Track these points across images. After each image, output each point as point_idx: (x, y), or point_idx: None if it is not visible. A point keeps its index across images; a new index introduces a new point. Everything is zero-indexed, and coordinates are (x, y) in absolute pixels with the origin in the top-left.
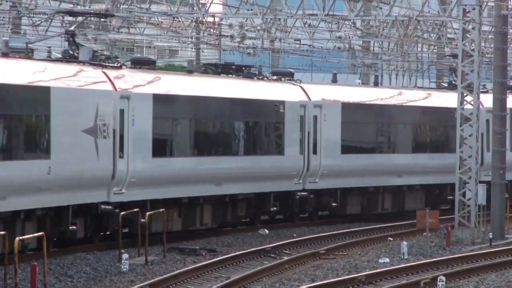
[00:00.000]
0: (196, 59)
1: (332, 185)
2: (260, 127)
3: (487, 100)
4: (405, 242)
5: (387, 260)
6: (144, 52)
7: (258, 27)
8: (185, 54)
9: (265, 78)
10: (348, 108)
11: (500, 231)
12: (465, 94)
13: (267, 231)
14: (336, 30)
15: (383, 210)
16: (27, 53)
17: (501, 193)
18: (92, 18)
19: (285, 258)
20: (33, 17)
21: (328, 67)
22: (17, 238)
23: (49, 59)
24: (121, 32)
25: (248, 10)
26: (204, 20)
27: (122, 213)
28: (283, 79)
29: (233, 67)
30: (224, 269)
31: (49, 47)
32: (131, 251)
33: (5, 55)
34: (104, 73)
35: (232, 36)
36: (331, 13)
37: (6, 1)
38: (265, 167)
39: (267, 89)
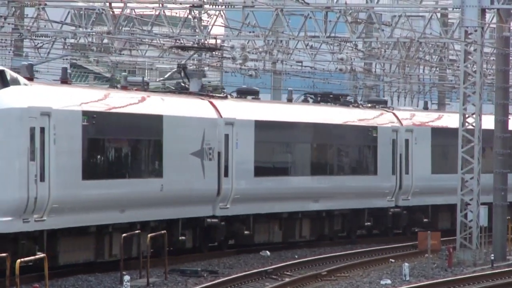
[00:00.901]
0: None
1: (423, 202)
2: (355, 149)
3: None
4: (406, 264)
5: (388, 281)
6: (146, 74)
7: (260, 49)
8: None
9: (360, 106)
10: (437, 132)
11: (501, 253)
12: (467, 116)
13: (268, 253)
14: (338, 52)
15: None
16: (143, 86)
17: (503, 214)
18: (94, 40)
19: (287, 279)
20: (35, 39)
21: (330, 89)
22: (19, 260)
23: (162, 90)
24: (123, 54)
25: (250, 32)
26: (206, 42)
27: (124, 234)
28: (377, 106)
29: (331, 96)
30: None
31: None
32: (133, 273)
33: (124, 88)
34: (211, 102)
35: (234, 58)
36: (332, 35)
37: (8, 24)
38: (360, 186)
39: (362, 116)
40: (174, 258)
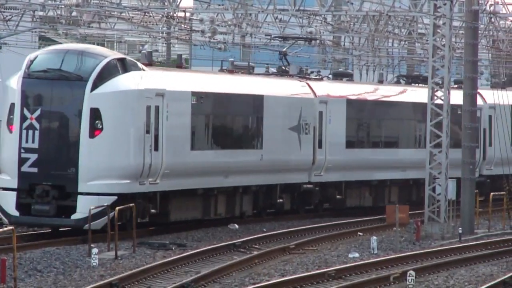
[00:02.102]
0: (167, 54)
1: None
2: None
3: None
4: (375, 237)
5: (356, 255)
6: (115, 47)
7: (229, 22)
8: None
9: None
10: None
11: (469, 226)
12: (435, 89)
13: (236, 226)
14: (307, 25)
15: None
16: (248, 70)
17: (471, 188)
18: (63, 13)
19: (255, 252)
20: (3, 12)
21: (299, 62)
22: None
23: (265, 73)
24: (92, 27)
25: (219, 5)
26: (175, 15)
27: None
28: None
29: (421, 78)
30: (194, 264)
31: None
32: (101, 245)
33: (231, 71)
34: (308, 84)
35: (203, 31)
36: (302, 8)
37: None
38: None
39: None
40: (142, 231)
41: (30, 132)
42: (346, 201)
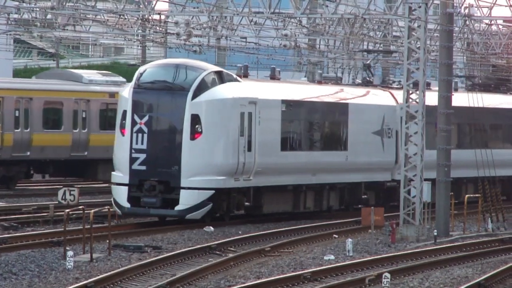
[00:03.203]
0: (142, 57)
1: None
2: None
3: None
4: (350, 239)
5: (332, 257)
6: (90, 50)
7: (204, 25)
8: (130, 51)
9: None
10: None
11: (444, 228)
12: (410, 92)
13: (212, 228)
14: (282, 28)
15: None
16: (336, 81)
17: (446, 190)
18: (38, 16)
19: (230, 255)
20: None
21: (274, 65)
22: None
23: (351, 84)
24: (67, 29)
25: (194, 8)
26: (150, 17)
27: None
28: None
29: (492, 85)
30: (169, 266)
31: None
32: (76, 248)
33: (319, 82)
34: (390, 92)
35: (178, 34)
36: (277, 11)
37: None
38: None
39: None
40: (118, 234)
41: (140, 135)
42: None
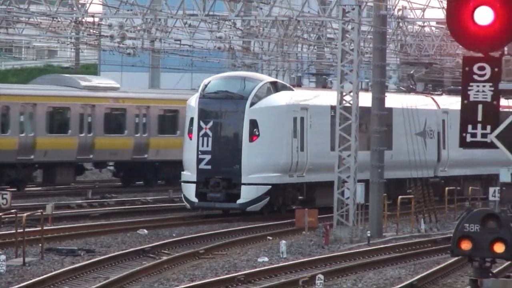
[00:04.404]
0: (76, 60)
1: None
2: None
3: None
4: (284, 241)
5: (266, 259)
6: (23, 53)
7: (138, 27)
8: (64, 54)
9: None
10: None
11: (378, 229)
12: (344, 93)
13: (146, 231)
14: (217, 30)
15: None
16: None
17: (379, 191)
18: None
19: (164, 258)
20: None
21: (208, 67)
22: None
23: (395, 90)
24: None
25: (128, 10)
26: (83, 20)
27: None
28: None
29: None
30: (103, 270)
31: None
32: (9, 252)
33: (366, 90)
34: (432, 98)
35: (112, 36)
36: (211, 13)
37: None
38: None
39: None
40: (51, 237)
41: (205, 138)
42: (463, 192)
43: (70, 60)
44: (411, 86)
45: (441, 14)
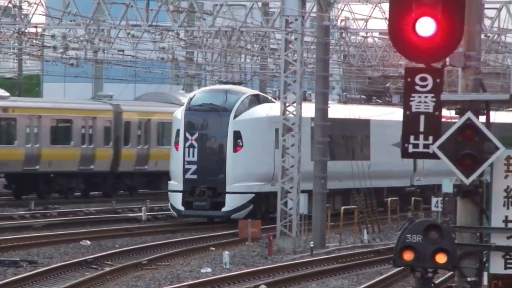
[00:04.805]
0: (18, 70)
1: None
2: None
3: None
4: (227, 252)
5: (209, 269)
6: None
7: (81, 38)
8: (6, 65)
9: None
10: None
11: (321, 240)
12: (287, 104)
13: (88, 242)
14: (160, 40)
15: None
16: (360, 101)
17: (322, 202)
18: None
19: (107, 269)
20: None
21: (152, 78)
22: None
23: (372, 103)
24: None
25: (71, 21)
26: (26, 31)
27: None
28: None
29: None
30: (45, 281)
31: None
32: None
33: (345, 102)
34: None
35: (55, 47)
36: (154, 23)
37: None
38: None
39: None
40: None
41: (191, 149)
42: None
43: (12, 71)
44: (388, 99)
45: (384, 25)
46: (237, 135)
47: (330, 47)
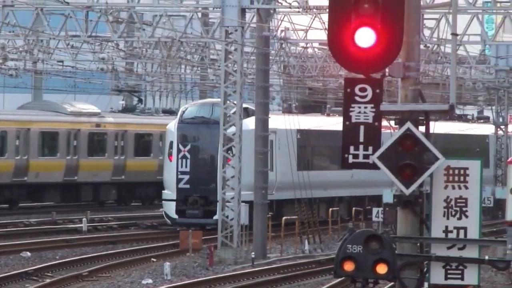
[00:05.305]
0: None
1: None
2: None
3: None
4: (168, 263)
5: (150, 281)
6: None
7: (20, 49)
8: None
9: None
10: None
11: (262, 251)
12: (228, 115)
13: (29, 254)
14: (99, 51)
15: None
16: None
17: (263, 212)
18: None
19: (48, 280)
20: None
21: (92, 89)
22: None
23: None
24: None
25: (10, 32)
26: None
27: None
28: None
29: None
30: None
31: None
32: None
33: (328, 114)
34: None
35: None
36: (94, 34)
37: None
38: None
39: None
40: None
41: (184, 160)
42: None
43: None
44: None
45: (324, 35)
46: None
47: (270, 57)
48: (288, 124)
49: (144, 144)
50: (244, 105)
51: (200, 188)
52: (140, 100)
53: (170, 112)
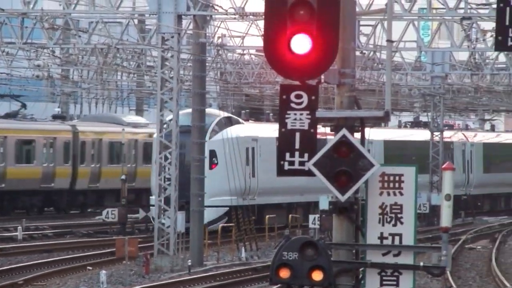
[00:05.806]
0: None
1: None
2: None
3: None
4: (104, 271)
5: None
6: None
7: None
8: None
9: None
10: None
11: (198, 258)
12: (164, 122)
13: None
14: (35, 58)
15: None
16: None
17: (200, 220)
18: None
19: None
20: None
21: (27, 96)
22: None
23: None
24: None
25: None
26: None
27: None
28: None
29: None
30: None
31: None
32: None
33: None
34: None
35: None
36: (29, 41)
37: None
38: None
39: None
40: None
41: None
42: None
43: None
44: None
45: (260, 42)
46: (213, 154)
47: (207, 64)
48: (268, 132)
49: (26, 151)
50: (227, 114)
51: (187, 194)
52: (23, 105)
53: (61, 118)
